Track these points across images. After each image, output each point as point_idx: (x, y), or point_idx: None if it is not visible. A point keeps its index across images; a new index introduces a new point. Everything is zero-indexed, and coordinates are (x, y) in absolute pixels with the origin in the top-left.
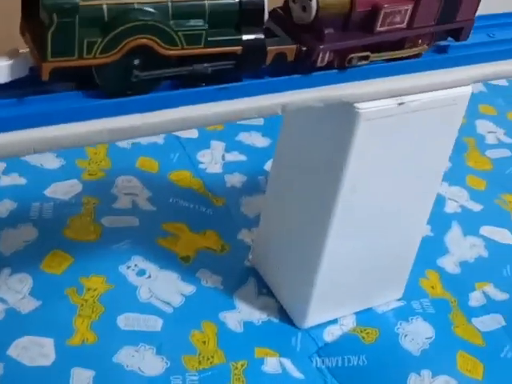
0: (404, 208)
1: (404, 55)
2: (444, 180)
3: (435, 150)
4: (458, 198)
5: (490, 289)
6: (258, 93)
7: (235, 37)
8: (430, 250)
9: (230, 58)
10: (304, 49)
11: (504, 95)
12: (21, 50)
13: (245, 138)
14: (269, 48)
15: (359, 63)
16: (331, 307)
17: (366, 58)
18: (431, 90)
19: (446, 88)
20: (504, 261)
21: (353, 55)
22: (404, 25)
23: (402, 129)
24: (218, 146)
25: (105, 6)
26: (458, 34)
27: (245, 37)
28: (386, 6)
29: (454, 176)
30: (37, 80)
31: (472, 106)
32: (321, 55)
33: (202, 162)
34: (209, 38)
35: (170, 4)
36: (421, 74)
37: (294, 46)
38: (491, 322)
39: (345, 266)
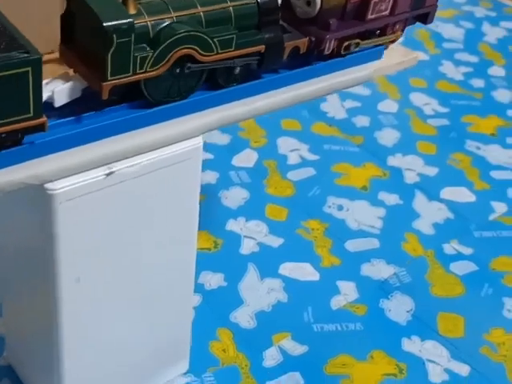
0: (157, 277)
1: (387, 41)
2: (241, 215)
3: (175, 210)
4: (255, 235)
5: (287, 342)
6: None
7: (259, 36)
8: (224, 303)
9: (254, 57)
10: (313, 39)
11: (309, 107)
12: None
13: None
14: (286, 43)
15: (354, 49)
16: None
17: (357, 44)
18: (148, 151)
19: (166, 145)
20: (305, 302)
21: (349, 42)
22: (387, 12)
23: (119, 200)
24: None
25: (149, 23)
26: (425, 19)
27: (266, 35)
28: None
29: (251, 208)
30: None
31: (274, 123)
32: (327, 44)
33: None
34: (238, 41)
35: (202, 14)
36: (130, 134)
37: (306, 39)
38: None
39: (98, 357)
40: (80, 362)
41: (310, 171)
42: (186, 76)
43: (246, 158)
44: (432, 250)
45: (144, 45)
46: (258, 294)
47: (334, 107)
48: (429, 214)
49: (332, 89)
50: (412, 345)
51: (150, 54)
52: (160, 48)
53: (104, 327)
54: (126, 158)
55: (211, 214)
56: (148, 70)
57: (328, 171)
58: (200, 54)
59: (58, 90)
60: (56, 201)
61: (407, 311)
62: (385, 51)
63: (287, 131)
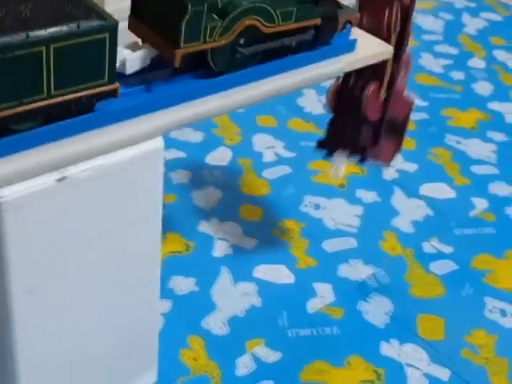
0: (117, 285)
1: None
2: (214, 216)
3: (135, 216)
4: (228, 236)
5: (260, 349)
6: None
7: (316, 10)
8: (195, 308)
9: (310, 30)
10: None
11: (285, 101)
12: None
13: None
14: (339, 18)
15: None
16: None
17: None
18: (104, 153)
19: (124, 147)
20: (280, 306)
21: None
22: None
23: (72, 207)
24: None
25: None
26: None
27: (322, 9)
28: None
29: (225, 209)
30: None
31: (249, 119)
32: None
33: None
34: (298, 14)
35: None
36: (86, 135)
37: (358, 14)
38: None
39: (57, 370)
40: (38, 374)
41: (285, 169)
42: (249, 46)
43: (219, 157)
44: (411, 248)
45: (213, 15)
46: (231, 298)
47: (311, 102)
48: (408, 212)
49: (300, 84)
50: (391, 349)
51: (219, 23)
52: (228, 18)
53: (61, 338)
54: (80, 161)
55: (183, 215)
56: (216, 39)
57: (304, 169)
58: (263, 25)
59: (130, 57)
60: (3, 208)
61: (385, 313)
62: (358, 43)
63: (263, 128)
